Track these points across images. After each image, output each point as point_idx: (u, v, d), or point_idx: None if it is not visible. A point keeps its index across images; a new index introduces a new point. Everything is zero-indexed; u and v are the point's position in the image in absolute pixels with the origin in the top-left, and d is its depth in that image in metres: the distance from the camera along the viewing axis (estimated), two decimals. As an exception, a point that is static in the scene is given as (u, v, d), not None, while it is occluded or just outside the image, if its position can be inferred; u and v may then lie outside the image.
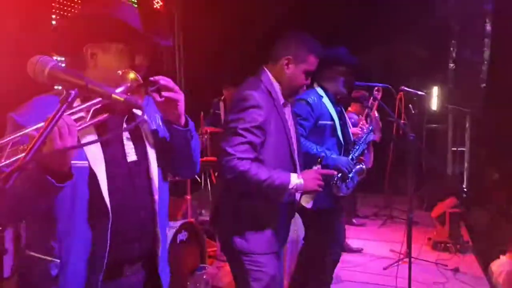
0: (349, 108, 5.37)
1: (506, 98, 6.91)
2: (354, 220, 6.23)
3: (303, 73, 2.30)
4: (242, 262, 2.22)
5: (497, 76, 7.15)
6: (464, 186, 7.41)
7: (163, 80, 1.47)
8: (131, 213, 1.50)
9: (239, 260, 2.24)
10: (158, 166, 1.58)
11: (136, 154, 1.54)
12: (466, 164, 7.66)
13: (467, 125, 7.67)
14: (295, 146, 2.31)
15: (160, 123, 1.62)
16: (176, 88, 1.49)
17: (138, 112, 1.52)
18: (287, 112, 2.35)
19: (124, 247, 1.49)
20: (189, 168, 1.70)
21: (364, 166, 3.17)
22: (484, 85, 7.12)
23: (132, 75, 1.38)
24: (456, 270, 4.60)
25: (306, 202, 2.37)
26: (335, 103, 3.15)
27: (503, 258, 4.56)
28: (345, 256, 4.83)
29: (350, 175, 3.07)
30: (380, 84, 3.36)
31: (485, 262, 4.79)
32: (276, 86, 2.30)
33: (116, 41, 1.46)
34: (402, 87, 4.67)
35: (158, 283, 1.60)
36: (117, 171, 1.48)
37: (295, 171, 2.26)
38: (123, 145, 1.52)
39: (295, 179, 2.16)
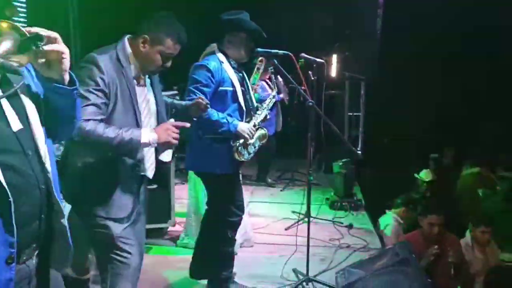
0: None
1: (397, 66, 7.46)
2: (269, 180, 6.51)
3: (158, 54, 2.28)
4: (89, 224, 2.25)
5: (389, 46, 7.65)
6: (358, 149, 7.93)
7: (44, 31, 1.32)
8: (29, 188, 1.39)
9: (86, 221, 2.27)
10: (45, 130, 1.47)
11: (21, 122, 1.41)
12: (361, 129, 8.18)
13: (362, 92, 8.14)
14: (144, 122, 2.31)
15: (35, 80, 1.48)
16: (59, 39, 1.36)
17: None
18: (143, 87, 2.35)
19: (29, 225, 1.40)
20: (70, 129, 1.63)
21: (266, 131, 3.24)
22: (377, 53, 7.57)
23: (4, 24, 1.22)
24: (350, 227, 4.98)
25: (166, 156, 2.37)
26: (236, 69, 3.16)
27: (388, 213, 5.03)
28: (249, 219, 5.00)
29: (252, 140, 3.12)
30: (281, 51, 3.41)
31: (375, 218, 5.25)
32: (132, 58, 2.28)
33: None
34: (302, 54, 4.81)
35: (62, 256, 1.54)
36: (6, 144, 1.35)
37: None
38: (4, 115, 1.39)
39: (147, 133, 2.17)
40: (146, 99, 2.36)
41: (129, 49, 2.28)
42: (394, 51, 7.77)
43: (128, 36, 2.31)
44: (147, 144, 2.19)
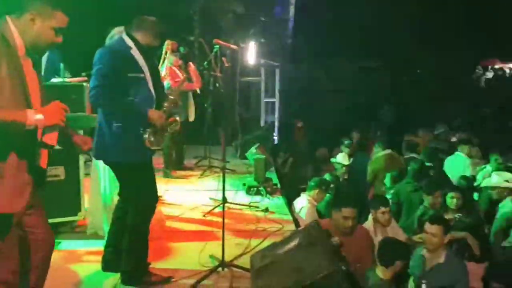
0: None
1: (311, 53, 7.70)
2: (185, 166, 6.46)
3: (49, 29, 2.19)
4: None
5: (302, 32, 7.86)
6: (274, 134, 8.13)
7: None
8: None
9: None
10: None
11: None
12: (276, 115, 8.38)
13: (277, 78, 8.33)
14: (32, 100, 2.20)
15: None
16: None
17: None
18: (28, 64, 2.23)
19: None
20: None
21: (178, 118, 3.19)
22: (290, 40, 7.75)
23: None
24: (266, 210, 5.08)
25: (50, 139, 2.26)
26: (145, 54, 3.06)
27: (303, 196, 5.22)
28: (166, 208, 4.93)
29: (163, 127, 3.06)
30: (191, 37, 3.37)
31: (291, 201, 5.42)
32: (18, 37, 2.16)
33: None
34: (216, 40, 4.80)
35: None
36: None
37: None
38: None
39: (33, 115, 2.08)
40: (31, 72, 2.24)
41: (13, 28, 2.14)
42: (307, 38, 8.01)
43: (8, 16, 2.17)
44: (34, 126, 2.07)
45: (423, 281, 3.46)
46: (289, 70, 8.29)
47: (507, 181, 4.99)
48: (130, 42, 2.98)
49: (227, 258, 3.60)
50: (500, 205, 4.93)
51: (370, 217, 4.46)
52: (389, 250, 3.42)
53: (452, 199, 4.80)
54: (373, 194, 5.91)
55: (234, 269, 3.54)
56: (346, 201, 3.69)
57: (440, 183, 5.20)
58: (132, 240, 3.15)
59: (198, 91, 5.84)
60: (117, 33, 3.03)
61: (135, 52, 2.97)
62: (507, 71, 24.73)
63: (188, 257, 3.83)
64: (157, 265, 3.52)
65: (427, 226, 3.64)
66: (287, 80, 8.33)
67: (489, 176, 5.26)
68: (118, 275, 3.27)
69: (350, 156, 6.61)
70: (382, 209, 4.32)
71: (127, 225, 3.16)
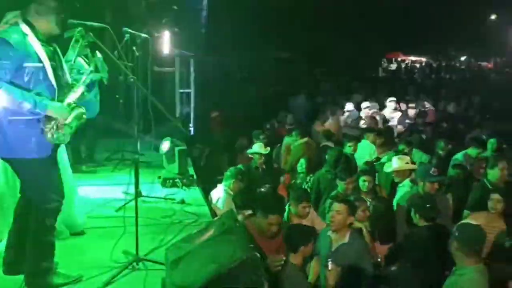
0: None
1: (222, 43, 7.69)
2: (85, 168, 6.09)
3: None
4: None
5: (215, 23, 7.83)
6: (190, 125, 8.05)
7: None
8: None
9: None
10: None
11: None
12: (192, 106, 8.29)
13: (191, 68, 8.22)
14: None
15: None
16: None
17: None
18: None
19: None
20: None
21: (83, 110, 3.03)
22: (204, 30, 7.68)
23: None
24: (182, 202, 5.03)
25: None
26: (45, 42, 2.87)
27: (219, 186, 5.23)
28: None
29: (68, 121, 2.90)
30: (97, 24, 3.20)
31: (207, 192, 5.40)
32: None
33: None
34: (125, 28, 4.61)
35: None
36: None
37: None
38: None
39: None
40: None
41: None
42: (222, 28, 8.00)
43: None
44: None
45: (329, 260, 3.64)
46: (204, 61, 8.22)
47: (407, 163, 5.40)
48: (27, 29, 2.77)
49: (142, 252, 3.52)
50: (399, 186, 5.31)
51: (288, 207, 4.57)
52: (295, 235, 3.53)
53: (364, 182, 5.11)
54: (293, 185, 6.02)
55: (149, 263, 3.47)
56: (273, 208, 3.64)
57: (353, 169, 5.49)
58: (36, 239, 2.97)
59: (105, 82, 5.57)
60: (12, 19, 2.80)
61: (32, 40, 2.76)
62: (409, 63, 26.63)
63: (99, 254, 3.69)
64: (65, 265, 3.34)
65: (334, 205, 3.84)
66: (203, 70, 8.26)
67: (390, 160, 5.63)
68: (21, 278, 3.06)
69: (266, 145, 6.68)
70: (304, 203, 4.43)
71: (31, 225, 2.96)
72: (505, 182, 5.00)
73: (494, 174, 4.98)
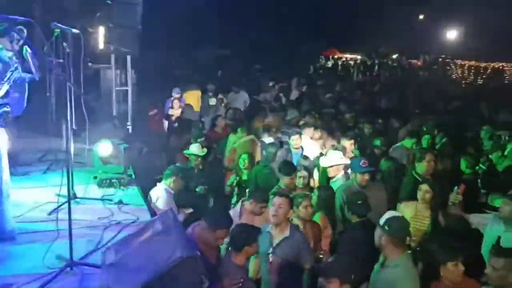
0: None
1: (158, 39, 7.54)
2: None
3: None
4: None
5: (150, 18, 7.65)
6: (128, 123, 7.83)
7: None
8: None
9: None
10: None
11: None
12: (129, 103, 8.06)
13: (128, 65, 7.99)
14: None
15: None
16: None
17: None
18: None
19: None
20: None
21: (8, 109, 2.86)
22: (140, 27, 7.48)
23: None
24: (120, 203, 4.89)
25: None
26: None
27: (159, 185, 5.14)
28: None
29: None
30: (22, 18, 3.03)
31: (146, 192, 5.28)
32: None
33: None
34: (55, 23, 4.39)
35: None
36: None
37: None
38: None
39: None
40: None
41: None
42: (157, 24, 7.83)
43: None
44: None
45: (270, 254, 3.69)
46: (142, 57, 8.01)
47: (342, 158, 5.57)
48: None
49: (77, 256, 3.39)
50: (332, 181, 5.46)
51: (239, 204, 4.55)
52: (240, 235, 3.52)
53: (299, 179, 5.21)
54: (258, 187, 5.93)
55: (85, 267, 3.35)
56: (221, 223, 3.49)
57: (294, 165, 5.58)
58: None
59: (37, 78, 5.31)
60: None
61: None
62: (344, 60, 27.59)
63: (31, 260, 3.51)
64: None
65: (275, 199, 3.91)
66: (140, 67, 8.05)
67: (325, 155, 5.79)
68: None
69: (203, 147, 6.49)
70: (264, 204, 4.41)
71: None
72: (433, 173, 5.26)
73: (421, 166, 5.23)
